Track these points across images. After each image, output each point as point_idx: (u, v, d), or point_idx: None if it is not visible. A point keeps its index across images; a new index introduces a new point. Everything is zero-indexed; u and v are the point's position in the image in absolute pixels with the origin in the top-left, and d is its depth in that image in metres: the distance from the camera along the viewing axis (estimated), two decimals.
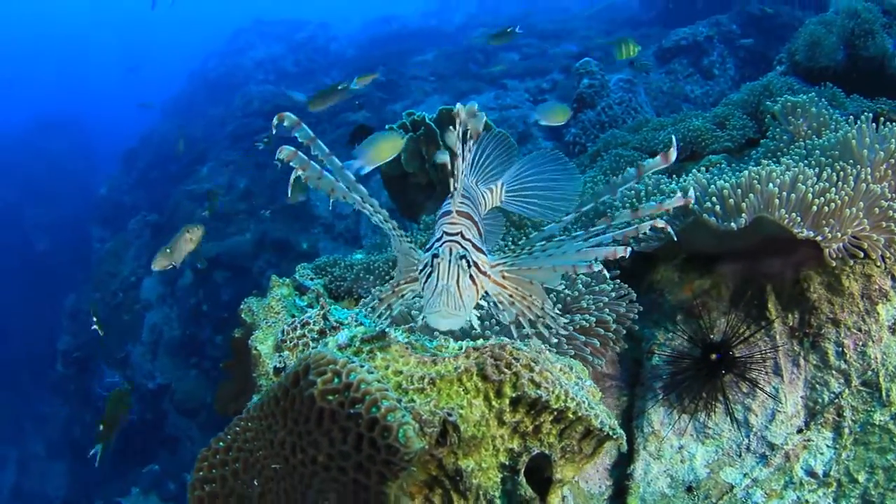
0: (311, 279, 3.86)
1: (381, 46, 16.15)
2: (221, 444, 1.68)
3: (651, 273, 3.22)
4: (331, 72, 16.13)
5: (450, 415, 1.41)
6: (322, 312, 2.00)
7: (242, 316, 3.49)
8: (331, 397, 1.41)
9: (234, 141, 14.44)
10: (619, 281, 2.89)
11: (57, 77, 34.70)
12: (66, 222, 19.17)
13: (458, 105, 1.59)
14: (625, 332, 2.74)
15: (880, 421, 2.44)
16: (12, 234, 19.29)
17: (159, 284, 13.08)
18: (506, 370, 1.50)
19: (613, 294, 2.79)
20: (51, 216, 20.09)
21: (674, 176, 4.27)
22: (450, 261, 1.55)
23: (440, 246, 1.61)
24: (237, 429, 1.69)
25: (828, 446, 2.49)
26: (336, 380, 1.41)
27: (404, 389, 1.46)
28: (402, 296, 1.81)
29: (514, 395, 1.50)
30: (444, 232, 1.68)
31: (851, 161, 2.64)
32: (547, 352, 1.70)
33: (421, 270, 1.62)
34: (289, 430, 1.53)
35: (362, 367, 1.43)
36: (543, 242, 1.65)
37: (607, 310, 2.69)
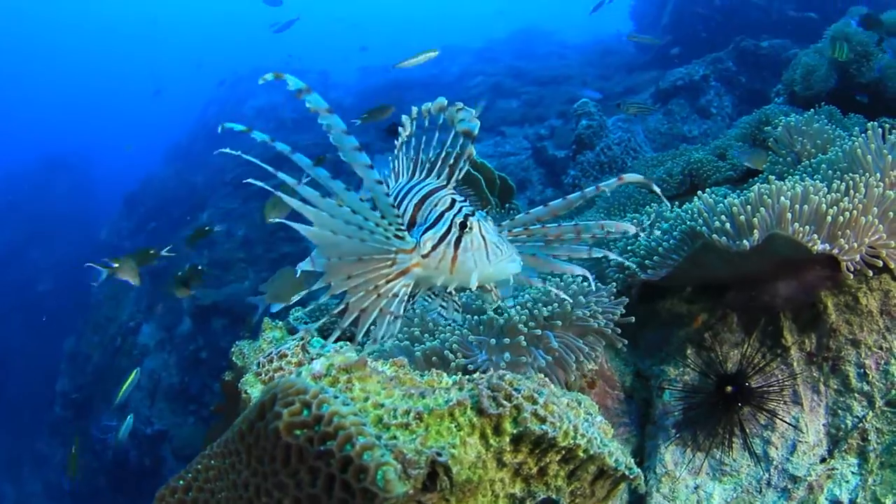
0: (306, 323, 3.77)
1: (381, 95, 16.28)
2: (181, 482, 1.52)
3: (658, 307, 3.06)
4: None
5: (439, 454, 1.20)
6: (301, 343, 1.84)
7: (234, 359, 3.34)
8: (298, 432, 1.23)
9: (234, 189, 14.47)
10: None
11: (62, 117, 35.27)
12: (67, 263, 19.16)
13: (442, 98, 1.54)
14: (615, 318, 2.57)
15: None
16: (15, 273, 19.30)
17: (158, 330, 13.06)
18: (505, 402, 1.30)
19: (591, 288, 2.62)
20: (53, 257, 20.15)
21: (676, 202, 4.14)
22: (482, 222, 1.53)
23: (458, 213, 1.57)
24: (199, 466, 1.52)
25: (853, 473, 2.31)
26: (305, 412, 1.23)
27: (385, 424, 1.27)
28: (395, 295, 1.63)
29: (515, 431, 1.30)
30: (454, 199, 1.62)
31: (861, 171, 2.55)
32: (552, 385, 1.52)
33: (439, 240, 1.55)
34: (253, 471, 1.36)
35: (336, 398, 1.24)
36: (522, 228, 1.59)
37: (593, 302, 2.52)
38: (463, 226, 1.59)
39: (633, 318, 2.67)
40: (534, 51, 17.75)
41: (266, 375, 1.80)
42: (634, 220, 1.77)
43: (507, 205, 5.38)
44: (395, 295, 1.66)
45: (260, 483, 1.33)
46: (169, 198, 16.12)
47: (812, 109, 3.94)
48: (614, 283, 2.83)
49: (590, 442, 1.34)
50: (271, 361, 1.81)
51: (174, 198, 15.98)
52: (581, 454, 1.34)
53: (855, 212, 2.29)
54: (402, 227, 1.61)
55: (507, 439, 1.28)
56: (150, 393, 12.32)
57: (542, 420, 1.29)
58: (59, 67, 39.45)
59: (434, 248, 1.59)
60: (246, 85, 19.17)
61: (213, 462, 1.48)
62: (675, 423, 2.56)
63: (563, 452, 1.34)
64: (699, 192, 2.80)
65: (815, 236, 2.29)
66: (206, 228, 5.87)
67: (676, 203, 4.31)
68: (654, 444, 2.60)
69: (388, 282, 1.64)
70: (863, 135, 2.75)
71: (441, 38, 21.73)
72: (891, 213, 2.36)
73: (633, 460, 1.49)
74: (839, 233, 2.30)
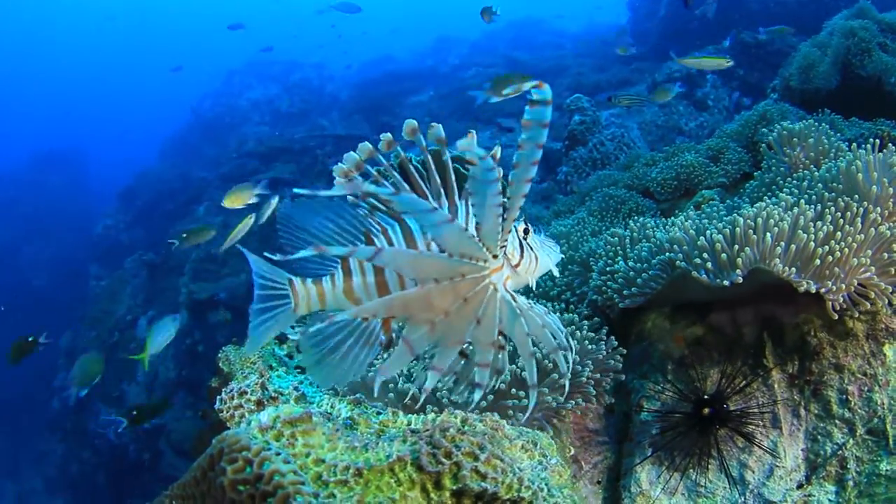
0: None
1: (377, 87, 16.20)
2: None
3: (640, 322, 3.02)
4: (327, 113, 16.17)
5: None
6: (261, 381, 1.83)
7: (220, 365, 3.32)
8: (241, 488, 1.26)
9: (229, 182, 14.44)
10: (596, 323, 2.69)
11: (57, 111, 35.20)
12: (63, 259, 19.22)
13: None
14: (610, 382, 2.53)
15: (887, 471, 2.24)
16: (10, 270, 19.30)
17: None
18: (444, 460, 1.29)
19: (591, 344, 2.57)
20: (49, 253, 20.17)
21: (660, 216, 4.07)
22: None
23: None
24: None
25: (830, 501, 2.28)
26: (248, 469, 1.26)
27: (324, 481, 1.26)
28: (530, 306, 1.64)
29: (455, 487, 1.29)
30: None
31: (856, 196, 2.44)
32: (505, 427, 1.49)
33: (521, 247, 1.69)
34: None
35: (279, 454, 1.27)
36: None
37: (588, 363, 2.48)
38: (526, 231, 1.75)
39: (621, 371, 2.64)
40: (531, 41, 17.63)
41: (227, 413, 1.80)
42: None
43: None
44: (530, 306, 1.67)
45: None
46: (164, 191, 16.10)
47: (812, 116, 3.85)
48: (590, 317, 2.78)
49: (534, 494, 1.33)
50: (232, 398, 1.81)
51: (169, 191, 15.96)
52: None
53: (847, 250, 2.22)
54: (505, 244, 1.68)
55: (448, 494, 1.29)
56: (147, 387, 12.36)
57: (483, 476, 1.28)
58: (53, 63, 39.32)
59: (521, 256, 1.71)
60: (241, 78, 19.06)
61: (174, 503, 1.50)
62: (652, 443, 2.52)
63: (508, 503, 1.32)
64: (681, 221, 2.73)
65: (802, 278, 2.22)
66: (31, 339, 5.85)
67: (662, 212, 4.26)
68: (631, 461, 2.56)
69: (514, 300, 1.66)
70: (861, 150, 2.64)
71: (438, 29, 21.62)
72: (885, 255, 2.28)
73: None
74: (827, 272, 2.23)
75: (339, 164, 1.61)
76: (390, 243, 1.65)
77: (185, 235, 6.24)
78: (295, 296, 1.69)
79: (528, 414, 1.74)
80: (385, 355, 1.72)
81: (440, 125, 1.59)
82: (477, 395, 1.59)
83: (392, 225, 1.67)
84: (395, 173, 1.65)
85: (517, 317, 1.60)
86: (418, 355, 1.57)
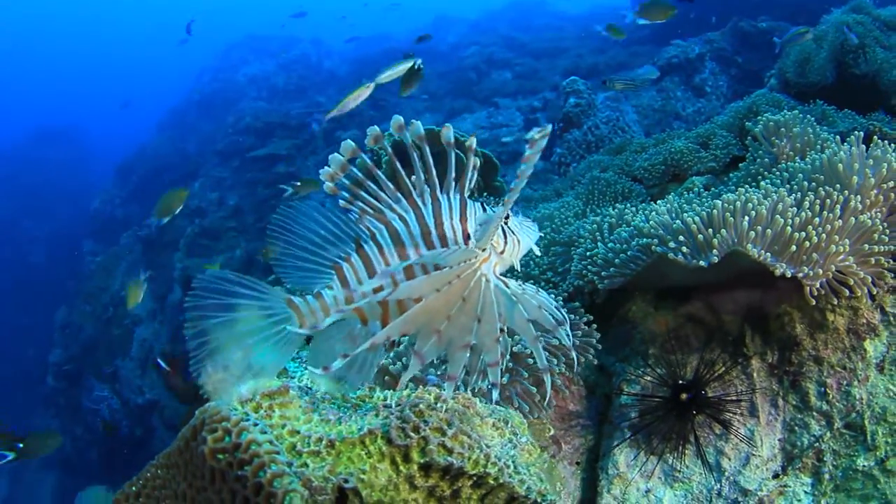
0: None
1: (374, 64, 16.09)
2: (133, 488, 1.65)
3: (623, 306, 3.05)
4: (324, 89, 16.08)
5: (346, 481, 1.26)
6: None
7: None
8: (221, 456, 1.34)
9: (225, 158, 14.41)
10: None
11: (54, 86, 34.97)
12: (60, 235, 19.24)
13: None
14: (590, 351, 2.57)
15: (864, 466, 2.25)
16: (8, 246, 19.30)
17: (149, 300, 13.07)
18: (412, 434, 1.35)
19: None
20: (46, 229, 20.18)
21: (650, 200, 4.09)
22: None
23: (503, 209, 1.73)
24: (148, 475, 1.66)
25: (805, 493, 2.31)
26: (227, 438, 1.34)
27: (298, 452, 1.32)
28: (523, 290, 1.69)
29: (422, 461, 1.35)
30: (482, 203, 1.77)
31: (838, 186, 2.44)
32: (477, 404, 1.53)
33: (504, 234, 1.73)
34: (189, 484, 1.48)
35: (256, 425, 1.34)
36: None
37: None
38: (507, 217, 1.79)
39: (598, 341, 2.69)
40: (530, 22, 17.50)
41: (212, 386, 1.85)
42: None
43: (493, 183, 5.32)
44: (523, 290, 1.72)
45: (194, 496, 1.44)
46: (161, 166, 16.07)
47: (799, 108, 3.82)
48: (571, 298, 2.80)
49: (500, 470, 1.38)
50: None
51: (166, 166, 15.93)
52: (491, 481, 1.40)
53: (824, 235, 2.22)
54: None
55: (416, 467, 1.35)
56: (141, 363, 12.41)
57: (450, 451, 1.34)
58: (54, 39, 38.91)
59: (506, 241, 1.76)
60: (239, 53, 18.92)
61: (159, 472, 1.61)
62: (631, 426, 2.57)
63: (475, 478, 1.40)
64: (657, 207, 2.75)
65: (778, 262, 2.23)
66: None
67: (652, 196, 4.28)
68: (609, 443, 2.61)
69: (507, 286, 1.71)
70: (846, 143, 2.64)
71: (437, 8, 21.44)
72: (865, 245, 2.29)
73: (549, 487, 1.51)
74: (804, 257, 2.23)
75: (325, 167, 1.60)
76: (378, 246, 1.67)
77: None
78: (299, 315, 1.61)
79: (547, 398, 1.83)
80: (391, 354, 1.78)
81: (419, 122, 1.60)
82: (496, 395, 1.62)
83: (380, 229, 1.69)
84: (379, 172, 1.67)
85: (514, 304, 1.64)
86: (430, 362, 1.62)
